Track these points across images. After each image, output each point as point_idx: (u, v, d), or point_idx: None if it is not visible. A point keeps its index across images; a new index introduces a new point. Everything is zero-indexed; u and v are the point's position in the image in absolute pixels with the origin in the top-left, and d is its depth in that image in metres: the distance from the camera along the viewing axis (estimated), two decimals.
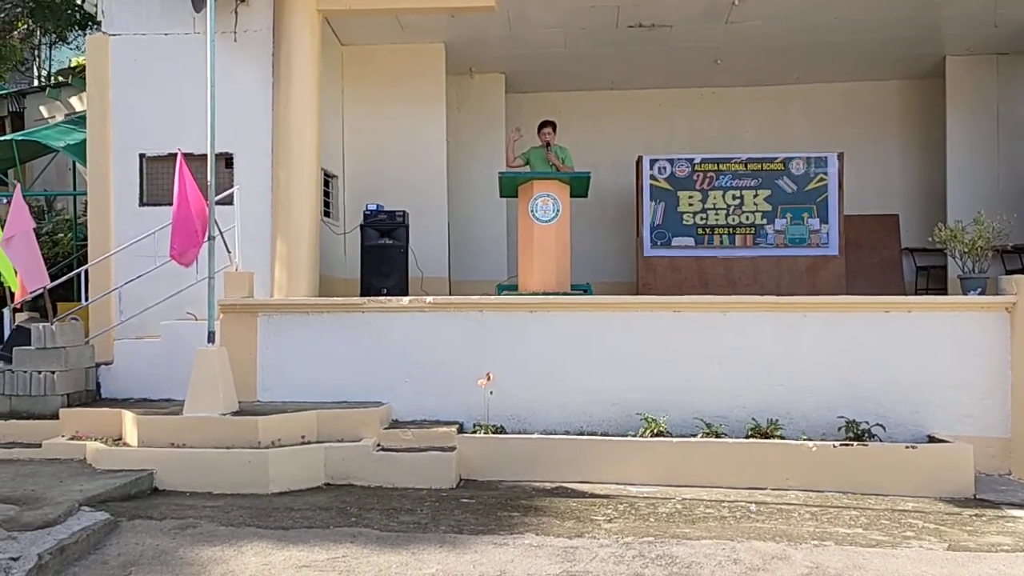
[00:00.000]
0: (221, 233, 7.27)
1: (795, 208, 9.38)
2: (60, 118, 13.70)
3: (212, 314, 6.59)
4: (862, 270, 10.46)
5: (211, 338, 6.54)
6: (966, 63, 10.82)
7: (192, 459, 6.02)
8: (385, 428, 6.64)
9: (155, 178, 8.54)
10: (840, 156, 9.41)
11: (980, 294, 7.02)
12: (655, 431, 6.47)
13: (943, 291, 10.37)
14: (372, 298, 7.43)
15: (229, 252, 7.63)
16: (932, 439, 6.49)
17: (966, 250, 7.25)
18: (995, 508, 5.67)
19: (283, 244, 8.10)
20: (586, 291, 8.15)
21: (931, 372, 6.72)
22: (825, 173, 9.37)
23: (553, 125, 9.00)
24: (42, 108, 15.15)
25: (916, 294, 10.55)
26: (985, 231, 7.20)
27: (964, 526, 5.19)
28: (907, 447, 6.14)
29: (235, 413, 6.42)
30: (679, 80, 11.65)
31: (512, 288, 8.29)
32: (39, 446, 6.59)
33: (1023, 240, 9.89)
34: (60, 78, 16.58)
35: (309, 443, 6.31)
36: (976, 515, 5.47)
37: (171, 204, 6.82)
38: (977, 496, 5.95)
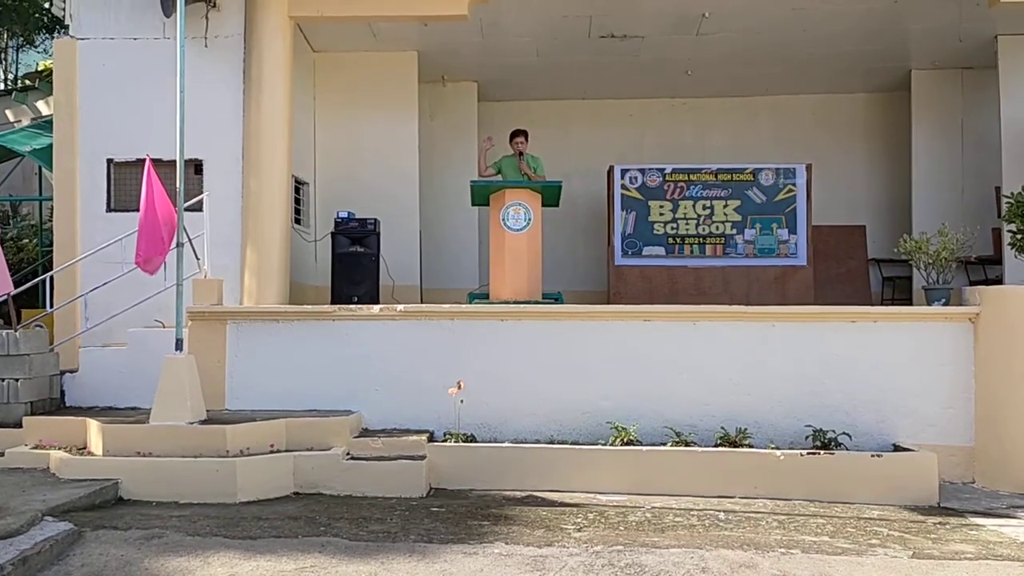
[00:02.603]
0: (190, 240, 7.20)
1: (764, 218, 9.47)
2: (26, 122, 13.48)
3: (180, 321, 6.53)
4: (830, 280, 10.59)
5: (179, 346, 6.47)
6: (932, 77, 11.00)
7: (158, 468, 5.95)
8: (355, 437, 6.60)
9: (123, 184, 8.43)
10: (808, 167, 9.52)
11: (944, 305, 7.13)
12: (625, 440, 6.49)
13: (908, 301, 10.51)
14: (343, 306, 7.40)
15: (198, 259, 7.56)
16: (897, 448, 6.57)
17: (931, 261, 7.36)
18: (959, 516, 5.74)
19: (253, 251, 8.05)
20: (557, 300, 8.17)
21: (896, 381, 6.81)
22: (794, 184, 9.47)
23: (525, 134, 9.03)
24: (8, 112, 14.89)
25: (882, 304, 10.68)
26: (949, 243, 7.31)
27: (928, 534, 5.26)
28: (873, 456, 6.21)
29: (203, 422, 6.35)
30: (650, 90, 11.74)
31: (484, 296, 8.29)
32: (1, 455, 6.48)
33: (987, 251, 10.06)
34: (27, 82, 16.33)
35: (278, 452, 6.26)
36: (940, 523, 5.54)
37: (139, 210, 6.75)
38: (941, 504, 6.03)
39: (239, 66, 8.30)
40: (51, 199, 9.41)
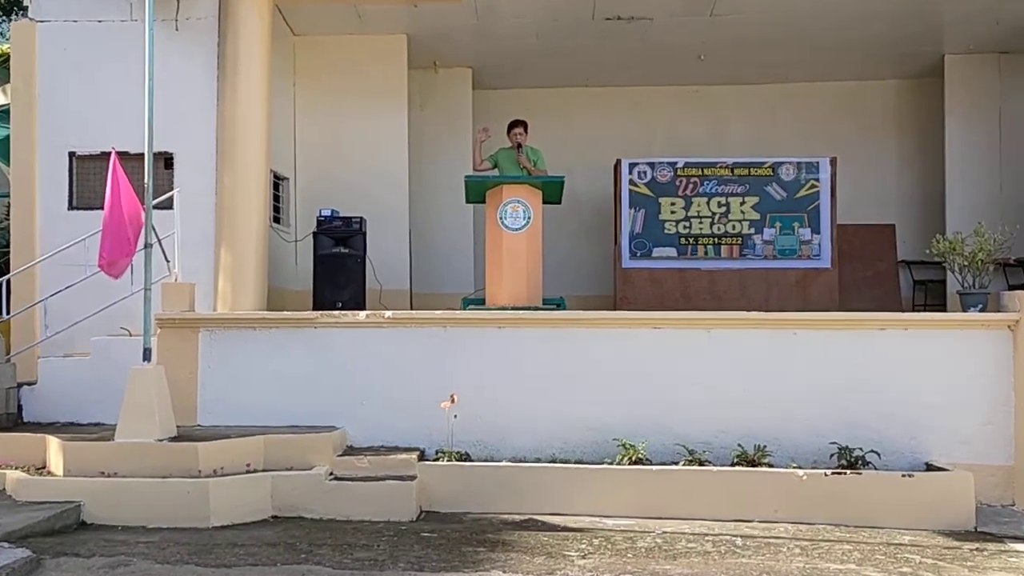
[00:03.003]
0: (159, 240, 7.20)
1: (785, 217, 9.47)
2: None
3: (148, 329, 6.52)
4: (856, 284, 10.59)
5: (147, 356, 6.46)
6: (966, 62, 11.01)
7: (124, 490, 5.94)
8: (339, 455, 6.60)
9: (86, 179, 8.44)
10: (833, 161, 9.52)
11: (981, 311, 7.13)
12: (633, 458, 6.49)
13: (942, 307, 10.52)
14: (325, 312, 7.39)
15: (168, 261, 7.56)
16: (930, 467, 6.57)
17: (966, 263, 7.35)
18: (997, 542, 5.74)
19: (228, 252, 8.04)
20: (559, 305, 8.17)
21: (929, 394, 6.80)
22: (817, 179, 9.47)
23: (524, 125, 9.02)
24: None
25: (913, 310, 10.69)
26: (986, 243, 7.30)
27: (964, 561, 5.26)
28: (903, 476, 6.21)
29: (173, 439, 6.35)
30: (660, 77, 11.75)
31: (479, 302, 8.29)
32: None
33: None
34: None
35: (255, 472, 6.26)
36: (977, 549, 5.54)
37: (103, 208, 6.74)
38: (978, 529, 6.02)
39: (213, 51, 8.30)
40: (7, 196, 9.39)
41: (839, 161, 9.66)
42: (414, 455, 6.61)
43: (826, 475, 6.23)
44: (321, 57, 10.42)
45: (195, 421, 7.11)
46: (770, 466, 6.41)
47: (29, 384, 7.53)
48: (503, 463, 6.64)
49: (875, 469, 6.41)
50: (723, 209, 9.51)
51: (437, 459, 6.64)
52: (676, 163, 9.63)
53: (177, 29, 8.33)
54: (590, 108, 12.09)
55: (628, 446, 6.58)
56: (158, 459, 6.10)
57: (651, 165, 9.63)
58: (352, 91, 10.42)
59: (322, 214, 9.19)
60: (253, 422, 6.96)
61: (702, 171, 9.58)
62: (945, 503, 6.10)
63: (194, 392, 7.15)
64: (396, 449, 6.86)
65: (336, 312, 7.42)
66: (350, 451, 6.81)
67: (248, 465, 6.28)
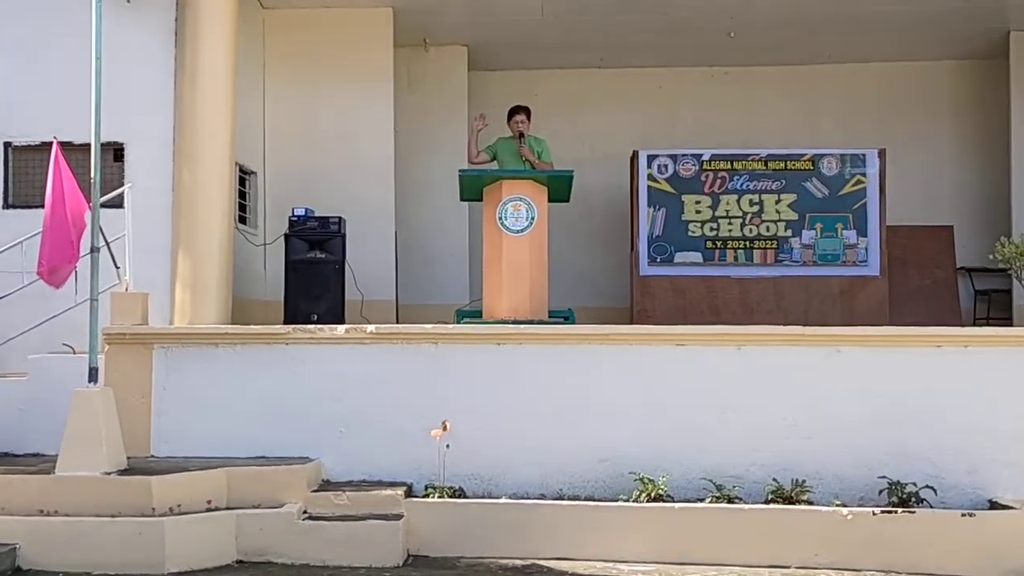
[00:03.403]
0: (107, 243, 7.20)
1: (827, 217, 9.48)
2: None
3: (95, 346, 6.52)
4: (909, 294, 10.58)
5: (93, 376, 6.47)
6: None
7: (67, 530, 5.93)
8: (313, 491, 6.60)
9: (24, 173, 8.47)
10: (882, 154, 9.54)
11: None
12: (652, 494, 6.48)
13: (1008, 321, 10.51)
14: (299, 326, 7.40)
15: (117, 268, 7.56)
16: (994, 504, 6.56)
17: None
18: None
19: (186, 258, 8.05)
20: (567, 319, 8.18)
21: (993, 422, 6.78)
22: (864, 174, 9.49)
23: (527, 112, 9.04)
24: None
25: (975, 324, 10.68)
26: None
27: None
28: (963, 514, 6.20)
29: (123, 472, 6.35)
30: (684, 57, 11.77)
31: (476, 315, 8.30)
32: None
33: None
34: None
35: (217, 510, 6.25)
36: None
37: (43, 206, 6.75)
38: None
39: (170, 26, 8.34)
40: None
41: (889, 154, 9.68)
42: (400, 491, 6.60)
43: (874, 514, 6.22)
44: (295, 34, 10.42)
45: (148, 451, 7.10)
46: (810, 503, 6.40)
47: None
48: (502, 500, 6.63)
49: (931, 507, 6.39)
50: (756, 208, 9.52)
51: (427, 495, 6.63)
52: (702, 155, 9.65)
53: (129, 2, 8.34)
54: (603, 92, 12.11)
55: (647, 480, 6.56)
56: (105, 495, 6.08)
57: (673, 158, 9.65)
58: (330, 73, 10.43)
59: (295, 214, 9.18)
60: (215, 453, 6.95)
61: (731, 164, 9.59)
62: (1011, 546, 6.08)
63: (147, 418, 7.13)
64: (380, 484, 6.84)
65: (311, 326, 7.42)
66: (326, 486, 6.80)
67: (209, 502, 6.28)
